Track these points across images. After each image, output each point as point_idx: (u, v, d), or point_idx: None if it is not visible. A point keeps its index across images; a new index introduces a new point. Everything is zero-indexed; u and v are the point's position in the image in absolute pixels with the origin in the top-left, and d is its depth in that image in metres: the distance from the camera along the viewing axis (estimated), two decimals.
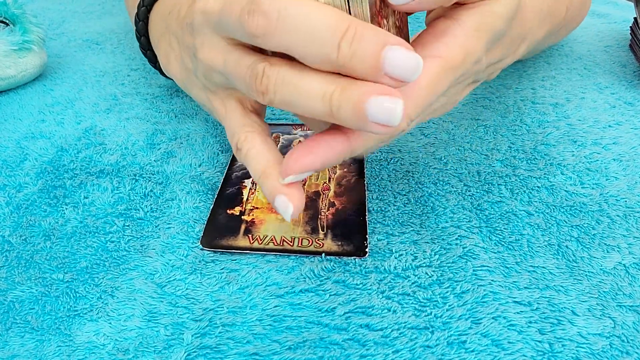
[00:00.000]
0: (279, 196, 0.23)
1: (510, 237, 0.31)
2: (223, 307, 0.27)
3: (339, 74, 0.20)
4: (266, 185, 0.24)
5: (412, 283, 0.28)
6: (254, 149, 0.25)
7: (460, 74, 0.24)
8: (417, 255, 0.29)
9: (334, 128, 0.23)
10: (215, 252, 0.30)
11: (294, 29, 0.19)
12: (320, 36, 0.19)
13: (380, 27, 0.23)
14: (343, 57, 0.19)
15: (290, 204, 0.23)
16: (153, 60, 0.39)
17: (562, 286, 0.28)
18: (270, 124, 0.41)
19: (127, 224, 0.32)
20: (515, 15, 0.26)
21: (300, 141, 0.39)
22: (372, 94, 0.19)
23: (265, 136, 0.26)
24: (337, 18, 0.19)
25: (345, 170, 0.36)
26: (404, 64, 0.19)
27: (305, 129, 0.41)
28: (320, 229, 0.31)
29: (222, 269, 0.29)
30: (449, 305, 0.27)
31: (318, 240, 0.30)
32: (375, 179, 0.35)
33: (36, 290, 0.28)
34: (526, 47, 0.30)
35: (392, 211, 0.33)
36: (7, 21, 0.48)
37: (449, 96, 0.26)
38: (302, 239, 0.30)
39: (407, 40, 0.27)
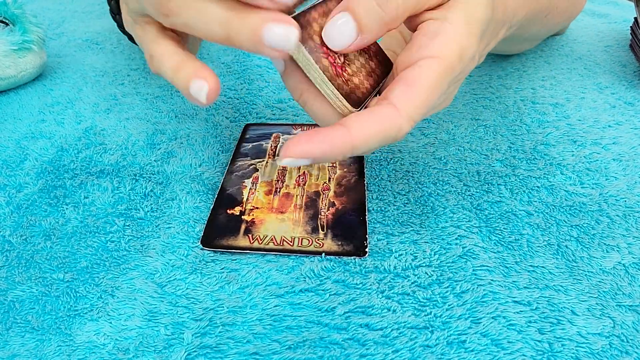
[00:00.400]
0: (193, 81, 0.24)
1: (509, 237, 0.31)
2: (223, 307, 0.27)
3: (238, 1, 0.22)
4: (179, 77, 0.24)
5: (412, 283, 0.28)
6: (166, 53, 0.26)
7: (458, 71, 0.24)
8: (416, 255, 0.29)
9: (339, 124, 0.23)
10: (215, 252, 0.30)
11: None
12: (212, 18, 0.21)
13: (340, 74, 0.25)
14: (230, 33, 0.21)
15: (205, 83, 0.24)
16: (122, 24, 0.39)
17: (561, 286, 0.28)
18: (270, 124, 0.42)
19: (127, 224, 0.32)
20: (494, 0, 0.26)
21: None
22: (269, 20, 0.21)
23: (177, 43, 0.26)
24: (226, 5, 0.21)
25: (345, 170, 0.36)
26: (280, 36, 0.21)
27: (304, 129, 0.41)
28: (320, 229, 0.31)
29: (222, 269, 0.29)
30: (449, 305, 0.27)
31: (318, 240, 0.30)
32: (375, 179, 0.35)
33: (36, 290, 0.28)
34: (507, 29, 0.30)
35: (392, 211, 0.33)
36: (7, 21, 0.48)
37: (447, 93, 0.26)
38: (302, 239, 0.30)
39: (388, 64, 0.29)
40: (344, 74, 0.25)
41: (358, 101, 0.25)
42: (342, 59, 0.25)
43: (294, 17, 0.24)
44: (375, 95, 0.27)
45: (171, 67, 0.25)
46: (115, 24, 0.40)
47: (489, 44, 0.28)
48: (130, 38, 0.40)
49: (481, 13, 0.25)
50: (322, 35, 0.24)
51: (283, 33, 0.21)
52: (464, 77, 0.27)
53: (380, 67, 0.28)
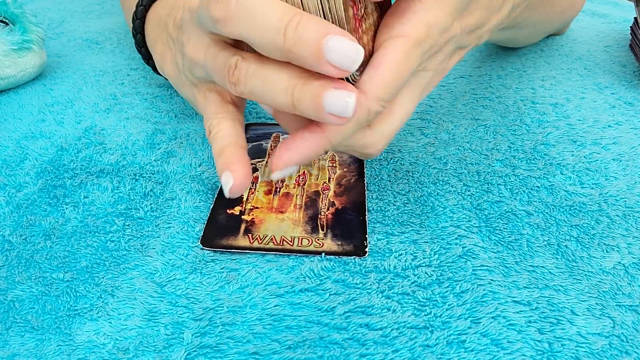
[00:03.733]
0: (225, 172, 0.26)
1: (509, 236, 0.31)
2: (223, 307, 0.27)
3: (302, 70, 0.22)
4: (218, 162, 0.27)
5: (412, 282, 0.28)
6: (221, 132, 0.28)
7: (428, 47, 0.24)
8: (416, 254, 0.29)
9: (310, 124, 0.24)
10: (215, 251, 0.30)
11: (248, 16, 0.21)
12: (269, 23, 0.21)
13: (357, 28, 0.24)
14: (288, 42, 0.21)
15: (232, 179, 0.26)
16: (147, 57, 0.40)
17: (561, 286, 0.28)
18: (270, 124, 0.42)
19: (127, 224, 0.32)
20: None
21: None
22: (328, 87, 0.21)
23: (235, 122, 0.28)
24: (285, 8, 0.21)
25: (345, 170, 0.36)
26: (344, 52, 0.20)
27: None
28: (320, 229, 0.31)
29: (222, 269, 0.29)
30: (449, 305, 0.27)
31: (318, 239, 0.30)
32: (375, 178, 0.35)
33: (36, 290, 0.28)
34: (510, 7, 0.30)
35: (392, 211, 0.33)
36: (7, 21, 0.48)
37: (432, 69, 0.27)
38: (302, 239, 0.30)
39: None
40: (359, 29, 0.24)
41: (364, 64, 0.24)
42: (362, 11, 0.24)
43: None
44: None
45: (216, 150, 0.27)
46: (141, 56, 0.41)
47: (488, 21, 0.28)
48: (152, 66, 0.40)
49: None
50: None
51: (342, 98, 0.21)
52: (450, 49, 0.27)
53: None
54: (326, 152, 0.26)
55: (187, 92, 0.32)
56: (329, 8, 0.23)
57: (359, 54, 0.21)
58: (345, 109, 0.21)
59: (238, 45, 0.26)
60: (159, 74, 0.39)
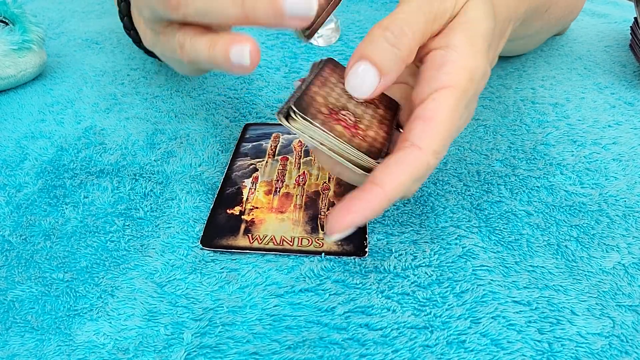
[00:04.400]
0: (232, 46, 0.23)
1: (509, 236, 0.31)
2: (223, 307, 0.27)
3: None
4: (216, 50, 0.24)
5: (412, 283, 0.28)
6: (196, 35, 0.25)
7: (472, 93, 0.25)
8: (416, 254, 0.29)
9: (370, 182, 0.24)
10: (215, 251, 0.30)
11: None
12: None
13: (356, 134, 0.25)
14: (247, 10, 0.21)
15: (247, 44, 0.23)
16: (137, 40, 0.39)
17: (561, 286, 0.28)
18: (270, 124, 0.42)
19: (127, 224, 0.32)
20: (493, 5, 0.26)
21: (300, 141, 0.39)
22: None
23: (199, 27, 0.26)
24: None
25: None
26: (300, 4, 0.21)
27: None
28: (320, 229, 0.31)
29: (222, 269, 0.29)
30: (449, 305, 0.27)
31: (318, 239, 0.30)
32: None
33: (36, 290, 0.28)
34: (512, 26, 0.30)
35: (392, 211, 0.33)
36: (7, 21, 0.48)
37: (467, 114, 0.27)
38: (302, 239, 0.30)
39: (394, 104, 0.29)
40: (359, 132, 0.26)
41: (379, 153, 0.26)
42: (353, 118, 0.26)
43: (296, 101, 0.24)
44: (398, 131, 0.28)
45: (205, 46, 0.24)
46: (131, 39, 0.41)
47: (498, 46, 0.29)
48: (143, 48, 0.40)
49: (483, 27, 0.25)
50: (346, 87, 0.24)
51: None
52: (479, 93, 0.27)
53: (389, 111, 0.29)
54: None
55: (158, 47, 0.30)
56: (325, 137, 0.25)
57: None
58: (308, 7, 0.21)
59: None
60: (149, 54, 0.38)
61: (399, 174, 0.23)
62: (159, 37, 0.29)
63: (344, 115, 0.26)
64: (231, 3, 0.21)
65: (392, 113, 0.29)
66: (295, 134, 0.40)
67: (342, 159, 0.25)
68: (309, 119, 0.24)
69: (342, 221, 0.23)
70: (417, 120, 0.24)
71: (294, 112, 0.24)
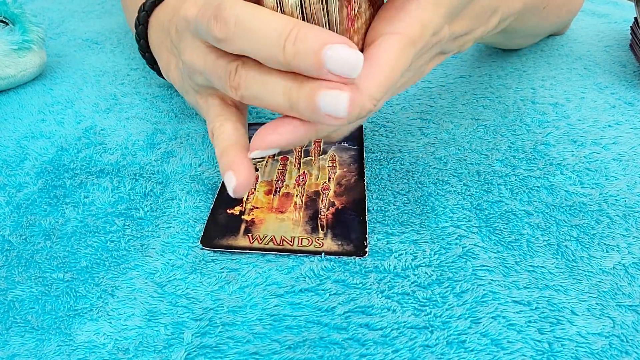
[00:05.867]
0: (228, 172, 0.26)
1: (509, 236, 0.31)
2: (223, 307, 0.27)
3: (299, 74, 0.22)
4: (221, 162, 0.26)
5: (412, 283, 0.28)
6: (224, 134, 0.28)
7: (420, 47, 0.24)
8: (416, 254, 0.29)
9: None
10: (215, 251, 0.30)
11: (247, 35, 0.22)
12: (268, 39, 0.21)
13: (349, 28, 0.24)
14: (288, 56, 0.21)
15: (234, 179, 0.25)
16: (151, 62, 0.40)
17: (561, 286, 0.28)
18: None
19: (127, 224, 0.32)
20: None
21: None
22: (321, 88, 0.21)
23: (237, 123, 0.28)
24: (283, 22, 0.21)
25: (345, 170, 0.36)
26: (344, 61, 0.21)
27: None
28: (320, 229, 0.31)
29: (222, 269, 0.29)
30: (449, 305, 0.27)
31: (318, 239, 0.30)
32: (375, 178, 0.35)
33: (36, 290, 0.28)
34: (499, 19, 0.30)
35: (392, 211, 0.33)
36: (7, 21, 0.48)
37: (413, 70, 0.27)
38: (302, 239, 0.30)
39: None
40: (351, 29, 0.24)
41: None
42: (356, 10, 0.24)
43: None
44: None
45: (219, 151, 0.27)
46: (145, 61, 0.41)
47: (474, 30, 0.28)
48: (157, 70, 0.41)
49: None
50: None
51: (336, 97, 0.21)
52: (434, 52, 0.27)
53: (370, 21, 0.26)
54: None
55: (191, 98, 0.32)
56: (326, 8, 0.23)
57: (359, 60, 0.21)
58: (338, 109, 0.21)
59: None
60: (163, 78, 0.39)
61: None
62: (197, 98, 0.31)
63: (354, 2, 0.24)
64: (281, 95, 0.23)
65: (369, 25, 0.26)
66: None
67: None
68: None
69: (266, 139, 0.24)
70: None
71: None
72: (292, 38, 0.21)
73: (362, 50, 0.26)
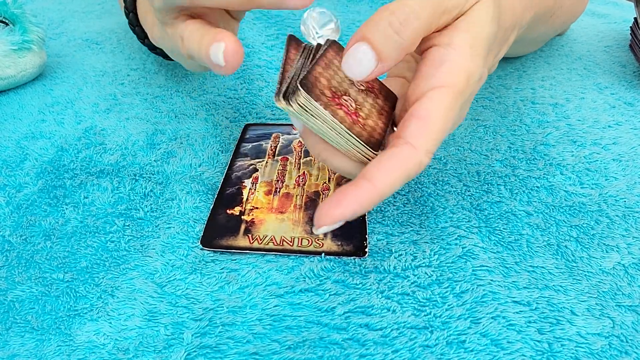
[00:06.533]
0: (212, 45, 0.24)
1: (509, 237, 0.31)
2: (223, 307, 0.27)
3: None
4: (202, 46, 0.24)
5: (412, 283, 0.28)
6: (194, 28, 0.26)
7: (468, 94, 0.25)
8: (416, 255, 0.29)
9: (361, 177, 0.23)
10: (215, 252, 0.30)
11: None
12: None
13: (356, 121, 0.25)
14: None
15: (222, 43, 0.24)
16: (141, 36, 0.40)
17: (561, 286, 0.28)
18: (270, 124, 0.42)
19: (127, 224, 0.32)
20: (500, 11, 0.26)
21: (300, 142, 0.39)
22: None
23: (201, 21, 0.27)
24: None
25: None
26: None
27: None
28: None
29: (222, 269, 0.29)
30: (449, 305, 0.27)
31: (318, 240, 0.30)
32: None
33: (36, 290, 0.28)
34: (517, 33, 0.30)
35: (392, 211, 0.33)
36: (7, 21, 0.48)
37: (460, 115, 0.27)
38: (302, 239, 0.30)
39: (391, 96, 0.29)
40: (359, 119, 0.25)
41: (378, 143, 0.25)
42: (354, 105, 0.26)
43: (302, 80, 0.24)
44: (392, 129, 0.27)
45: (197, 41, 0.25)
46: (132, 39, 0.41)
47: (499, 52, 0.29)
48: (148, 45, 0.40)
49: (486, 31, 0.25)
50: (342, 67, 0.24)
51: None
52: (474, 96, 0.27)
53: (387, 102, 0.28)
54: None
55: (166, 41, 0.30)
56: (326, 121, 0.24)
57: None
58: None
59: None
60: (154, 52, 0.38)
61: (391, 172, 0.23)
62: (166, 31, 0.29)
63: (346, 101, 0.25)
64: None
65: (389, 105, 0.28)
66: (295, 134, 0.40)
67: (341, 145, 0.25)
68: (313, 100, 0.23)
69: (331, 214, 0.23)
70: (412, 118, 0.24)
71: (299, 91, 0.23)
72: None
73: (386, 126, 0.26)
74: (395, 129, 0.28)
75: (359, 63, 0.23)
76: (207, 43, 0.24)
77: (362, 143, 0.25)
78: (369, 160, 0.25)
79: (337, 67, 0.27)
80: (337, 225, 0.23)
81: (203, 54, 0.25)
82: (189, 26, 0.26)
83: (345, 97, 0.26)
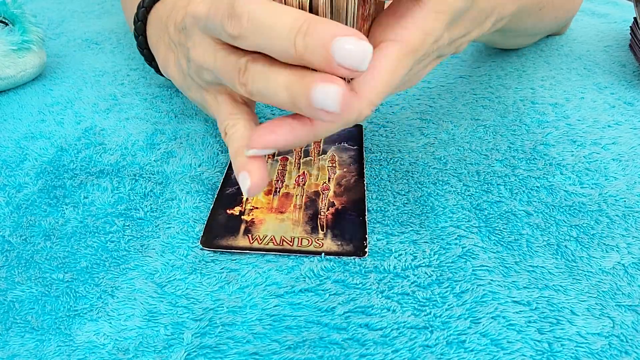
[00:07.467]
0: (242, 172, 0.25)
1: (509, 237, 0.31)
2: (223, 307, 0.27)
3: (302, 67, 0.22)
4: (235, 162, 0.26)
5: (412, 283, 0.28)
6: (237, 132, 0.27)
7: (420, 55, 0.25)
8: (416, 255, 0.29)
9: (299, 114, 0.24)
10: (215, 252, 0.30)
11: (260, 29, 0.21)
12: (280, 35, 0.21)
13: (360, 28, 0.24)
14: (299, 50, 0.21)
15: (249, 179, 0.25)
16: (149, 59, 0.40)
17: (561, 286, 0.28)
18: None
19: (127, 224, 0.32)
20: None
21: None
22: (316, 82, 0.21)
23: (250, 121, 0.28)
24: (293, 17, 0.21)
25: (345, 170, 0.36)
26: (353, 53, 0.20)
27: None
28: (320, 229, 0.31)
29: (222, 269, 0.29)
30: (448, 305, 0.27)
31: (318, 240, 0.30)
32: (375, 178, 0.35)
33: (36, 290, 0.28)
34: (494, 21, 0.30)
35: (392, 211, 0.33)
36: (7, 21, 0.48)
37: (411, 74, 0.27)
38: (301, 239, 0.30)
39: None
40: (362, 29, 0.24)
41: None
42: (368, 10, 0.24)
43: None
44: None
45: (233, 152, 0.27)
46: (143, 57, 0.41)
47: (470, 32, 0.29)
48: (155, 67, 0.41)
49: (455, 3, 0.25)
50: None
51: (326, 90, 0.21)
52: (433, 57, 0.27)
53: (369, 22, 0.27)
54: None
55: (196, 95, 0.32)
56: (345, 5, 0.23)
57: (367, 52, 0.20)
58: (332, 104, 0.21)
59: None
60: (162, 75, 0.39)
61: None
62: (205, 95, 0.30)
63: (367, 3, 0.24)
64: (283, 89, 0.22)
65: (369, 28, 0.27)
66: None
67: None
68: None
69: (263, 139, 0.24)
70: None
71: None
72: (303, 32, 0.20)
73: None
74: None
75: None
76: (237, 166, 0.26)
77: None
78: None
79: None
80: (266, 152, 0.24)
81: (234, 169, 0.26)
82: (234, 126, 0.27)
83: (369, 6, 0.24)
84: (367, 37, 0.25)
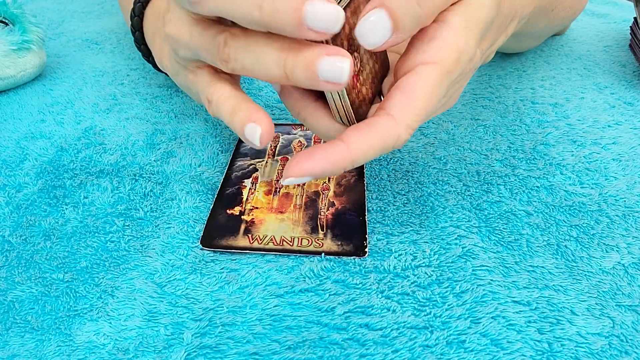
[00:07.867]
0: (248, 124, 0.24)
1: (509, 236, 0.31)
2: (223, 307, 0.27)
3: (292, 40, 0.21)
4: (235, 120, 0.25)
5: (412, 283, 0.28)
6: (224, 94, 0.26)
7: (457, 74, 0.24)
8: (416, 255, 0.29)
9: (338, 139, 0.23)
10: (215, 252, 0.30)
11: None
12: None
13: (355, 84, 0.24)
14: (265, 15, 0.20)
15: (259, 127, 0.24)
16: (146, 55, 0.40)
17: (561, 286, 0.28)
18: None
19: (127, 224, 0.32)
20: None
21: (299, 141, 0.39)
22: (321, 54, 0.21)
23: (233, 84, 0.26)
24: None
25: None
26: (325, 15, 0.20)
27: (304, 129, 0.41)
28: (320, 229, 0.31)
29: (222, 269, 0.29)
30: (448, 305, 0.27)
31: (318, 240, 0.30)
32: (375, 178, 0.35)
33: (36, 290, 0.28)
34: (516, 24, 0.30)
35: (392, 211, 0.33)
36: (7, 21, 0.48)
37: (448, 96, 0.26)
38: (301, 239, 0.30)
39: (386, 65, 0.28)
40: (357, 83, 0.25)
41: (363, 116, 0.25)
42: (358, 66, 0.25)
43: None
44: (379, 99, 0.27)
45: (228, 112, 0.25)
46: (140, 53, 0.41)
47: (496, 41, 0.28)
48: (152, 62, 0.40)
49: (484, 14, 0.24)
50: (355, 32, 0.23)
51: (336, 64, 0.20)
52: (467, 78, 0.27)
53: (381, 70, 0.28)
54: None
55: (182, 79, 0.30)
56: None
57: (339, 13, 0.20)
58: (340, 74, 0.21)
59: (221, 20, 0.24)
60: (159, 70, 0.38)
61: (368, 139, 0.23)
62: (186, 74, 0.29)
63: (355, 59, 0.24)
64: (275, 64, 0.22)
65: (382, 74, 0.27)
66: (295, 133, 0.40)
67: (333, 101, 0.24)
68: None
69: (300, 167, 0.23)
70: (397, 91, 0.23)
71: None
72: None
73: (373, 97, 0.26)
74: (382, 97, 0.28)
75: (374, 29, 0.22)
76: (240, 121, 0.24)
77: (352, 111, 0.24)
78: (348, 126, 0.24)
79: None
80: (303, 180, 0.23)
81: (236, 129, 0.25)
82: (217, 90, 0.26)
83: (356, 53, 0.24)
84: (370, 85, 0.25)
